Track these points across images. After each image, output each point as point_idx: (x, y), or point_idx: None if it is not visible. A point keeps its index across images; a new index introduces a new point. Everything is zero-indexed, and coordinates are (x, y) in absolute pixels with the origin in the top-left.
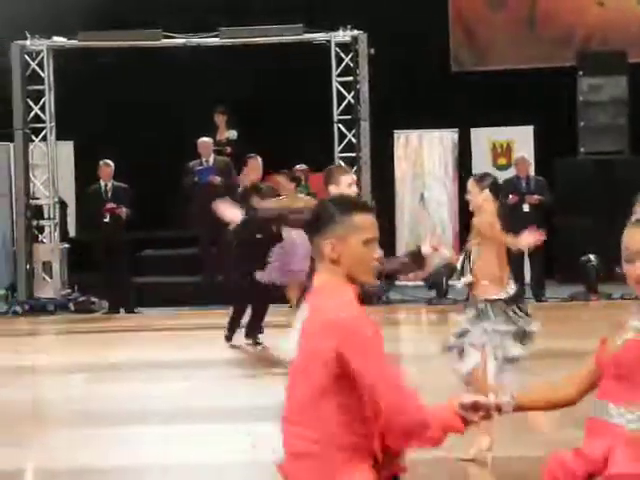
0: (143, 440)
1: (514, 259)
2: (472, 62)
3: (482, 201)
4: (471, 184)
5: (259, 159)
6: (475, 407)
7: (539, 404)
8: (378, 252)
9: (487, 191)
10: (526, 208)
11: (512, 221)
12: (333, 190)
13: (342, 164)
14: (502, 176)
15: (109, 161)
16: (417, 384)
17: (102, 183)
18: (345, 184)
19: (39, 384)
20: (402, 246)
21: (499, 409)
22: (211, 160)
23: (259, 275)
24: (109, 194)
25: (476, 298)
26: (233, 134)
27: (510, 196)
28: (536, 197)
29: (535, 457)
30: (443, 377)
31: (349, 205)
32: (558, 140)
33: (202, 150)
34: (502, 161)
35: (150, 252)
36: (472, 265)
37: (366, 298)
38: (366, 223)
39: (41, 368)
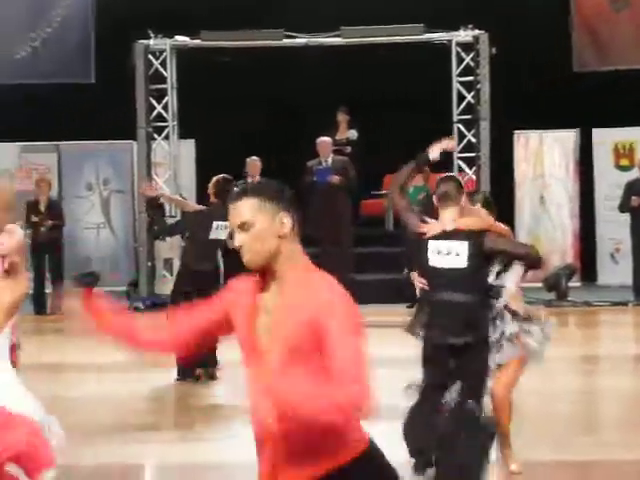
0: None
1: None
2: (595, 62)
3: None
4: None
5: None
6: None
7: None
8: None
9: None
10: None
11: (637, 223)
12: None
13: (461, 164)
14: (625, 177)
15: (256, 157)
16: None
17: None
18: None
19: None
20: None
21: None
22: (330, 160)
23: None
24: None
25: None
26: (353, 134)
27: (633, 198)
28: None
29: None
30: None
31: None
32: None
33: (321, 149)
34: (625, 162)
35: None
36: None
37: None
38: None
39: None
